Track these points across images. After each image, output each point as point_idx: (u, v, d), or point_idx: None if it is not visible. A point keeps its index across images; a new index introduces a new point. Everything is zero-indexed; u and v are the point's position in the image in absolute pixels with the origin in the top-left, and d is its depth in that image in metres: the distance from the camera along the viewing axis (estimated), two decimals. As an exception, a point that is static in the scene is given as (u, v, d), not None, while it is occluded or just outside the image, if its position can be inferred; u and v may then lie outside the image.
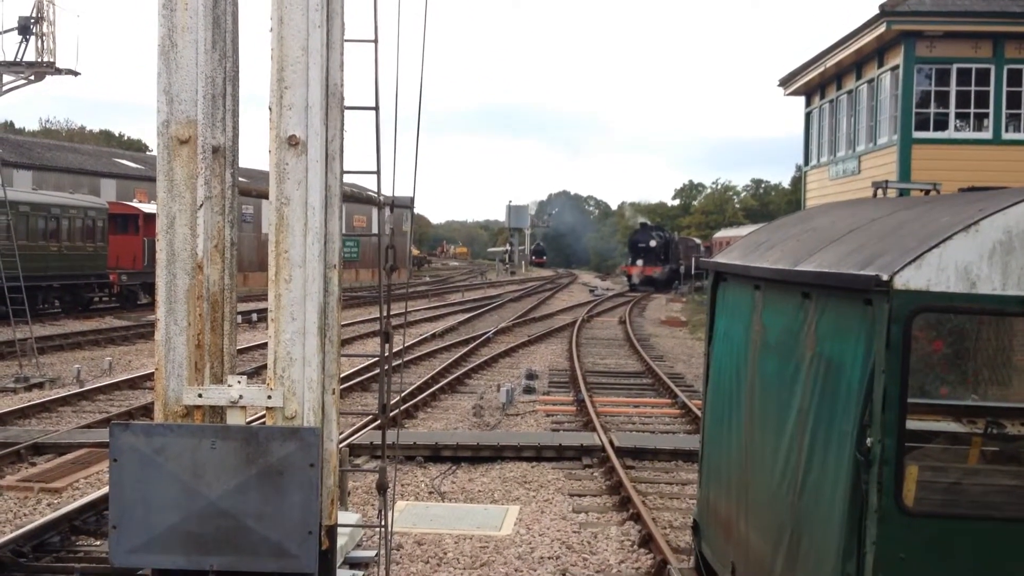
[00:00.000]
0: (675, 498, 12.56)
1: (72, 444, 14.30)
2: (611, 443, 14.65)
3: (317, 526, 4.35)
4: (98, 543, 10.26)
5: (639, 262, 71.23)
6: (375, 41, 4.85)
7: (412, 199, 5.99)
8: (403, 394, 18.43)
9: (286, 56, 4.45)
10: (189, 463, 4.28)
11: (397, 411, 16.23)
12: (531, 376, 22.01)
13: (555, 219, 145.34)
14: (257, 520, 4.26)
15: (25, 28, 26.34)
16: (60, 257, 36.68)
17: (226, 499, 4.26)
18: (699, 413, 13.45)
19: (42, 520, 10.44)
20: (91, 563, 9.56)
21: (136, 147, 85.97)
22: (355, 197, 5.38)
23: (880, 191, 7.32)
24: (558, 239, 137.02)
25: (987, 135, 24.63)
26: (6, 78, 25.51)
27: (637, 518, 11.23)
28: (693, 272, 61.00)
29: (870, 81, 26.98)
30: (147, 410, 17.00)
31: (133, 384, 20.66)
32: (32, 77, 25.85)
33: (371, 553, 9.85)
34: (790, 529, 5.35)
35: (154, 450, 4.28)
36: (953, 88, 24.48)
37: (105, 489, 11.40)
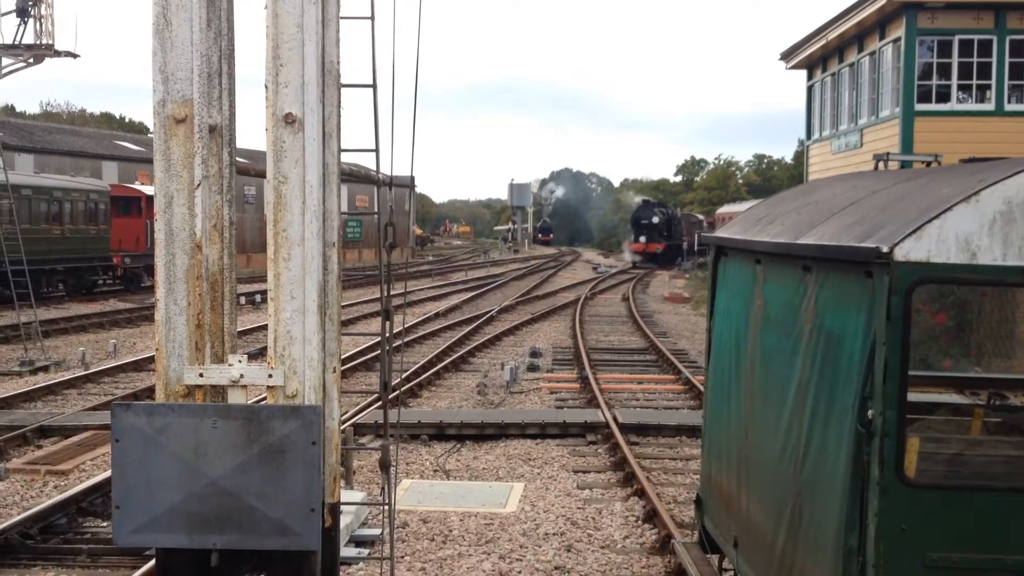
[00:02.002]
0: (679, 473, 12.59)
1: (78, 426, 14.36)
2: (615, 419, 14.68)
3: (320, 504, 4.35)
4: (104, 524, 10.31)
5: (642, 239, 71.20)
6: (371, 18, 4.82)
7: (412, 177, 5.98)
8: (407, 373, 18.46)
9: (281, 33, 4.43)
10: (191, 442, 4.28)
11: (399, 390, 16.26)
12: (535, 354, 22.04)
13: (557, 197, 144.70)
14: (259, 498, 4.27)
15: (23, 10, 26.25)
16: (63, 240, 36.69)
17: (228, 478, 4.27)
18: (703, 389, 13.46)
19: (49, 502, 10.49)
20: (98, 544, 9.62)
21: (137, 129, 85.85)
22: (354, 175, 5.37)
23: (881, 163, 7.29)
24: (562, 216, 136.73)
25: (989, 106, 24.53)
26: (5, 61, 25.45)
27: (641, 494, 11.27)
28: (696, 248, 60.96)
29: (872, 54, 26.85)
30: (152, 392, 17.04)
31: (138, 366, 20.70)
32: (31, 60, 25.79)
33: (377, 531, 9.90)
34: (792, 502, 5.36)
35: (156, 430, 4.28)
36: (955, 60, 24.36)
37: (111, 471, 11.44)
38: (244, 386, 4.52)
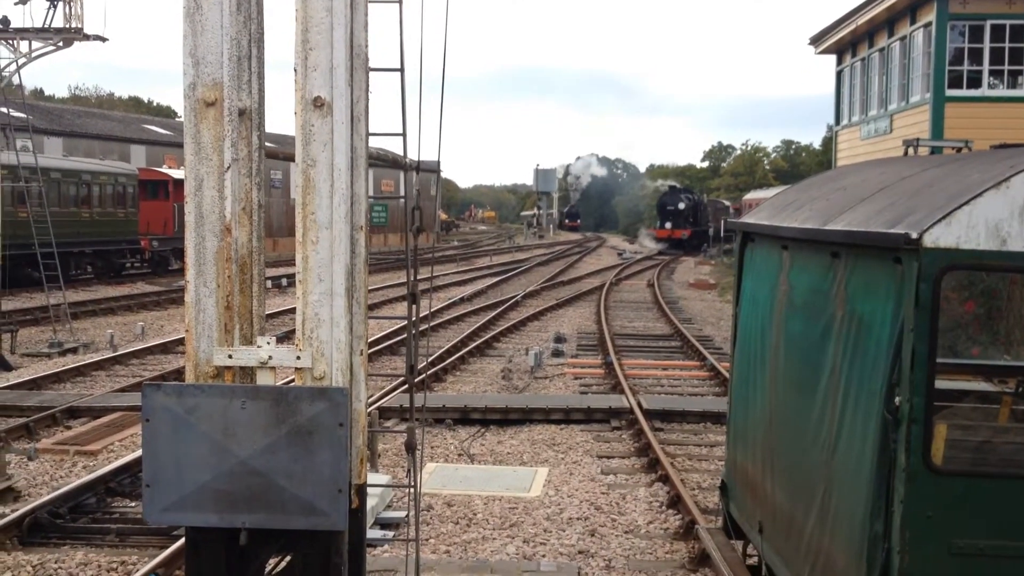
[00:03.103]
0: (703, 459, 12.58)
1: (106, 408, 14.50)
2: (639, 405, 14.68)
3: (347, 485, 4.39)
4: (133, 504, 10.42)
5: (668, 225, 70.95)
6: (399, 1, 4.83)
7: (438, 162, 5.98)
8: (432, 357, 18.51)
9: (310, 17, 4.44)
10: (220, 423, 4.32)
11: (425, 374, 16.32)
12: (559, 339, 22.05)
13: (594, 174, 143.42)
14: (287, 479, 4.31)
15: (53, -5, 26.36)
16: (91, 223, 37.00)
17: (256, 458, 4.31)
18: (728, 375, 13.40)
19: (78, 482, 10.61)
20: (126, 524, 9.73)
21: (165, 113, 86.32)
22: (381, 159, 5.39)
23: (911, 149, 7.24)
24: (589, 202, 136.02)
25: (1022, 92, 24.25)
26: (35, 44, 25.60)
27: (665, 479, 11.27)
28: (722, 235, 60.69)
29: (902, 38, 26.59)
30: (179, 374, 17.19)
31: (165, 348, 20.88)
32: (60, 43, 25.92)
33: (401, 514, 9.96)
34: (820, 488, 5.36)
35: (186, 410, 4.33)
36: (987, 45, 24.08)
37: (139, 452, 11.57)
38: (272, 368, 4.56)
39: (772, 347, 6.40)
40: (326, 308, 4.51)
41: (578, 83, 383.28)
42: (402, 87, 4.94)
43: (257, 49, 4.61)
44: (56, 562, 8.70)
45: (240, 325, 4.58)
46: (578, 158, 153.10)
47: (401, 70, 4.90)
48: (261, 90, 4.66)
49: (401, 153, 5.38)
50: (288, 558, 4.70)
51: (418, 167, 5.41)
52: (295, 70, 4.49)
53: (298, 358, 4.52)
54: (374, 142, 4.83)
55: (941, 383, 5.33)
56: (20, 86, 27.08)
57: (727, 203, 78.04)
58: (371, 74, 4.69)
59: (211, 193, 4.52)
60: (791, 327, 6.06)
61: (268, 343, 4.55)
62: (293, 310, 4.59)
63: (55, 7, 25.57)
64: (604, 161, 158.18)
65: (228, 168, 4.50)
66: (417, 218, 5.15)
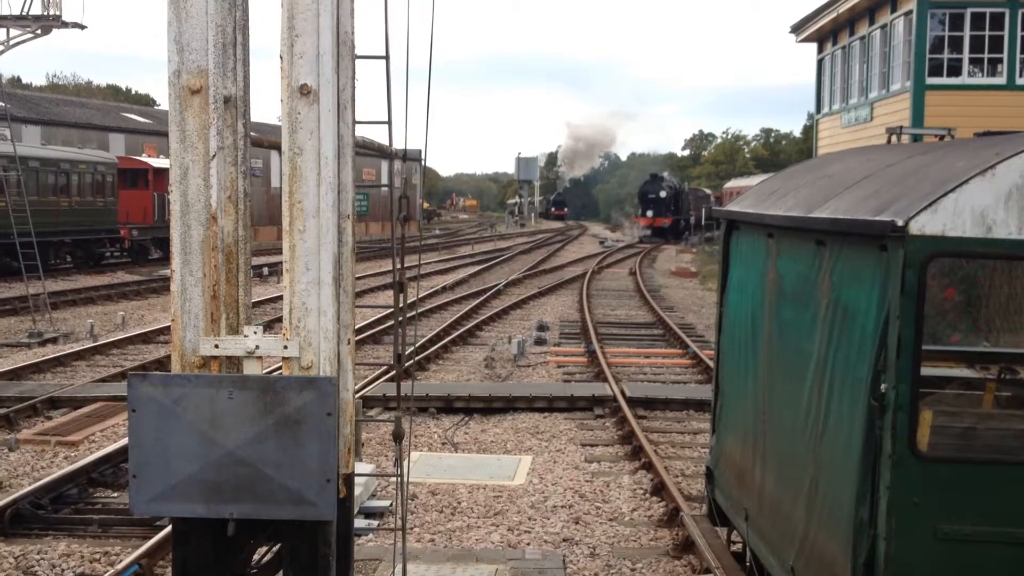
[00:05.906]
0: (687, 447, 12.62)
1: (87, 398, 14.41)
2: (623, 393, 14.70)
3: (335, 474, 4.37)
4: (115, 495, 10.37)
5: (649, 213, 71.02)
6: (385, -11, 4.80)
7: (420, 150, 5.96)
8: (416, 346, 18.49)
9: (297, 3, 4.41)
10: (207, 413, 4.30)
11: (411, 361, 16.29)
12: (542, 328, 22.05)
13: (568, 171, 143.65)
14: (275, 469, 4.30)
15: (31, -19, 26.11)
16: (70, 212, 36.71)
17: (244, 448, 4.29)
18: (710, 363, 13.42)
19: (60, 473, 10.55)
20: (109, 514, 9.68)
21: (144, 101, 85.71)
22: (365, 146, 5.36)
23: (894, 137, 7.27)
24: (573, 190, 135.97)
25: (1001, 80, 24.37)
26: (12, 32, 25.38)
27: (649, 467, 11.30)
28: (703, 223, 60.84)
29: (883, 27, 26.68)
30: (160, 364, 17.11)
31: (146, 338, 20.76)
32: (39, 31, 25.71)
33: (386, 503, 9.95)
34: (805, 475, 5.38)
35: (172, 400, 4.30)
36: (967, 33, 24.18)
37: (121, 442, 11.52)
38: (259, 357, 4.54)
39: (763, 334, 6.42)
40: (313, 297, 4.49)
41: (561, 71, 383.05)
42: (387, 75, 4.91)
43: (242, 36, 4.58)
44: (38, 553, 8.65)
45: (226, 314, 4.56)
46: (559, 146, 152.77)
47: (387, 58, 4.87)
48: (246, 78, 4.63)
49: (381, 141, 5.36)
50: (276, 548, 4.69)
51: (404, 155, 5.39)
52: (281, 57, 4.46)
53: (285, 347, 4.50)
54: (359, 130, 4.81)
55: (926, 370, 5.36)
56: (-3, 74, 26.82)
57: (708, 191, 78.19)
58: (357, 61, 4.66)
59: (197, 182, 4.49)
60: (781, 315, 6.08)
61: (255, 332, 4.53)
62: (275, 299, 4.57)
63: (33, -6, 25.36)
64: (588, 147, 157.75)
65: (214, 156, 4.47)
66: (404, 207, 5.13)
